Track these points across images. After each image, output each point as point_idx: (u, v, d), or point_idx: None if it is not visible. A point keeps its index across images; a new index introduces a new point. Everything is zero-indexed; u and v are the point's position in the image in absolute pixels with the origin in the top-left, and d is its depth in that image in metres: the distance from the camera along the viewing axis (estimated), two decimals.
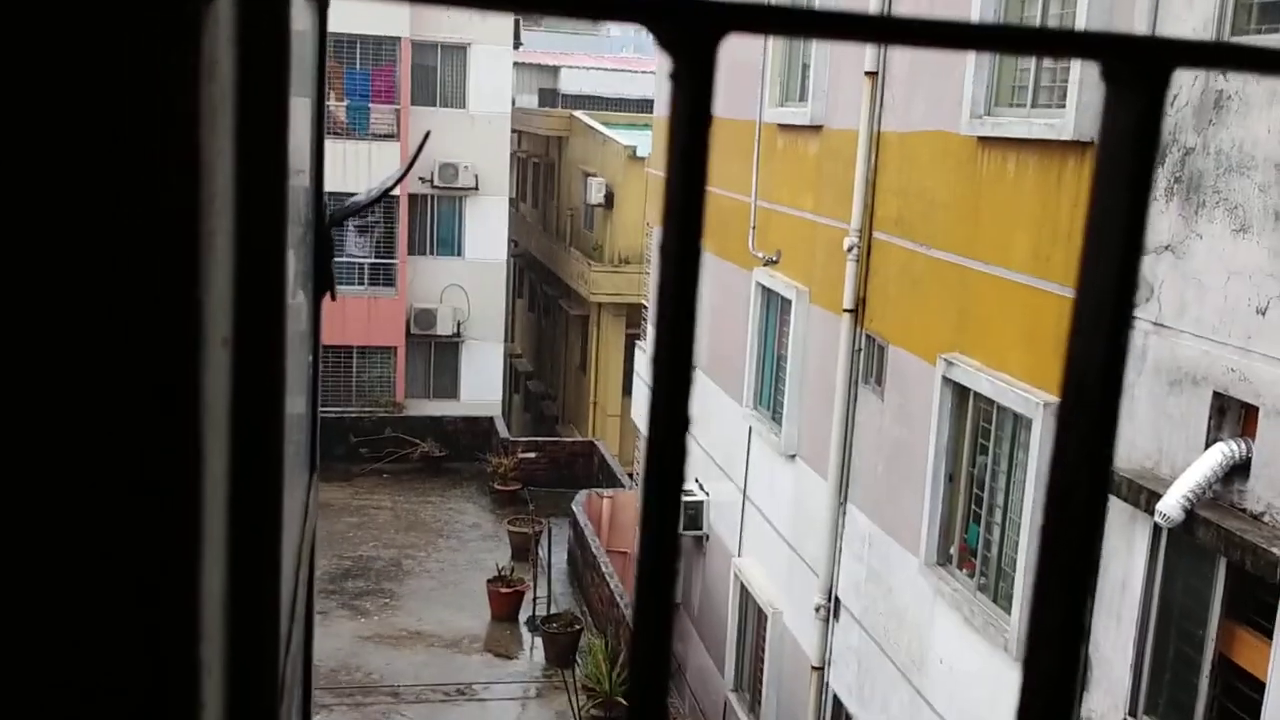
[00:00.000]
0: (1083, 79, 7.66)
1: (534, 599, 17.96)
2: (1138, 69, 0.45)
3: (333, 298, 1.73)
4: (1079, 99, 7.67)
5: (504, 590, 18.19)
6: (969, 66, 9.00)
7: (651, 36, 0.43)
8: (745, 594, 13.70)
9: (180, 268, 0.53)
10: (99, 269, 0.52)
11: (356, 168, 25.49)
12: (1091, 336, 0.47)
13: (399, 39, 26.22)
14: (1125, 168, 0.45)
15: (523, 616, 18.22)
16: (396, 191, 26.00)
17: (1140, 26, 7.09)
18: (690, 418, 0.48)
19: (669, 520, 0.45)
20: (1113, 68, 0.45)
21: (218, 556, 0.65)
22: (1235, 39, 6.52)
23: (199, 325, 0.55)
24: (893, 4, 10.49)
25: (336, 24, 25.37)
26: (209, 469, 0.60)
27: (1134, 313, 0.48)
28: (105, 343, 0.53)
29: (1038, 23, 8.47)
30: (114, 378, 0.54)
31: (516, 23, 28.10)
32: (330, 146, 27.88)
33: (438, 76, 27.10)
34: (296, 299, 1.39)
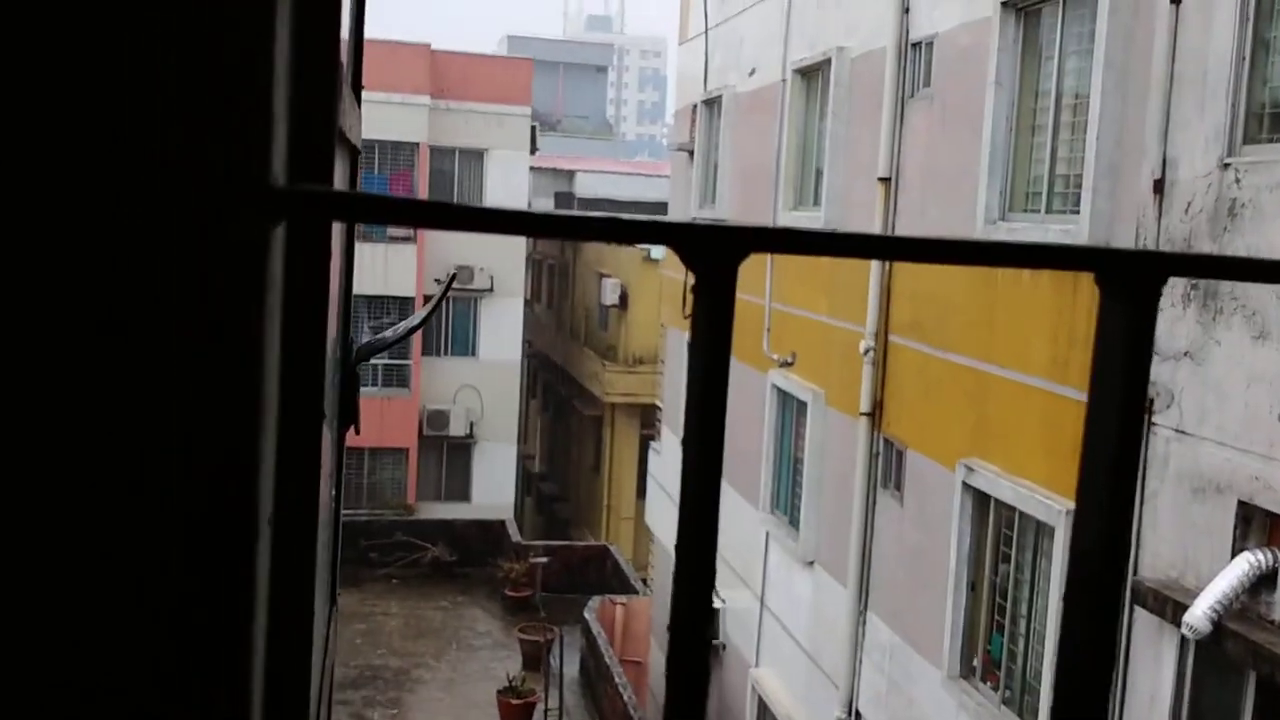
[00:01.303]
0: (1096, 186, 7.70)
1: (545, 710, 17.61)
2: (1130, 279, 0.48)
3: (356, 432, 1.71)
4: (1093, 205, 7.71)
5: (514, 701, 17.84)
6: (982, 172, 9.07)
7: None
8: (763, 707, 13.40)
9: (242, 458, 0.57)
10: (172, 460, 0.56)
11: (373, 270, 25.74)
12: (1090, 526, 0.49)
13: (417, 144, 26.68)
14: (1120, 370, 0.48)
15: None
16: (412, 293, 26.21)
17: (1151, 138, 7.14)
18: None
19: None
20: (1106, 277, 0.48)
21: None
22: (1247, 147, 6.56)
23: (256, 503, 0.59)
24: (902, 157, 10.61)
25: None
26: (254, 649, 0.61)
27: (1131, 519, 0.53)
28: (169, 523, 0.56)
29: (1049, 135, 8.56)
30: (178, 557, 0.56)
31: (533, 128, 28.61)
32: None
33: (455, 180, 27.51)
34: (325, 437, 1.39)
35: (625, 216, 0.42)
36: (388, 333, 2.47)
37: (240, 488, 0.56)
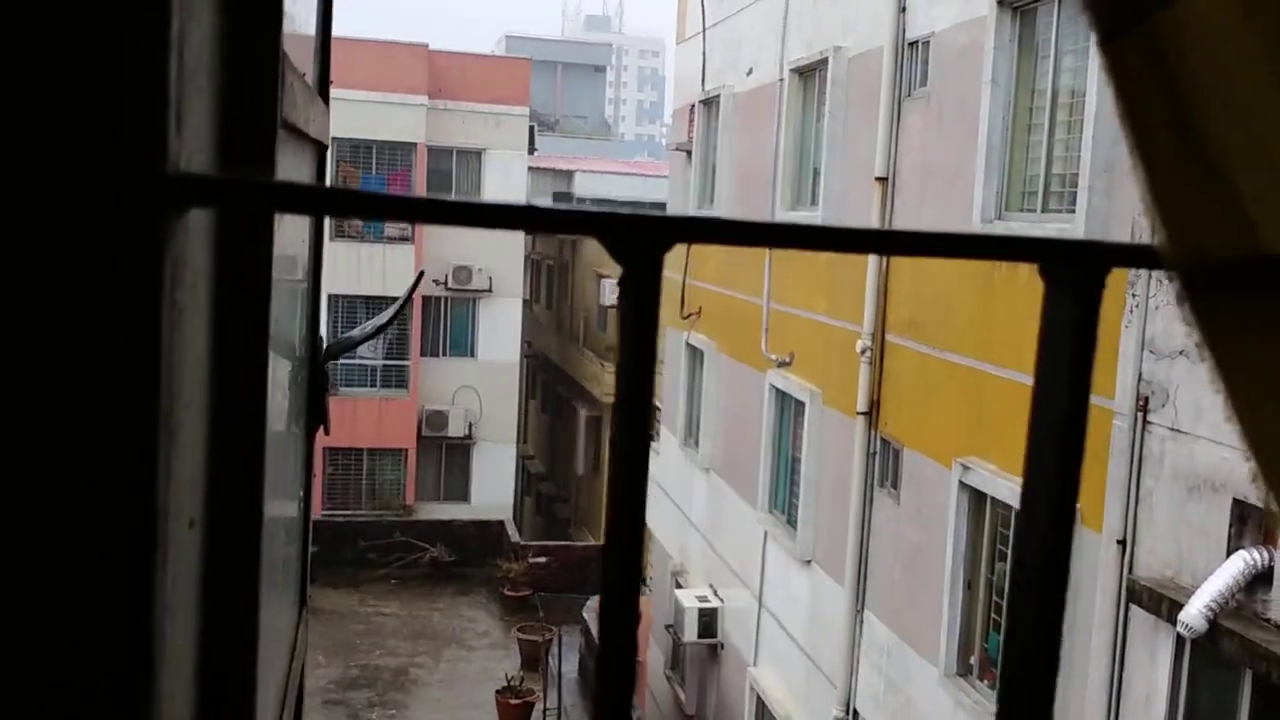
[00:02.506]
0: (1092, 184, 7.70)
1: (544, 710, 17.62)
2: (1075, 270, 0.48)
3: (326, 432, 1.70)
4: (1089, 203, 7.71)
5: (513, 701, 17.84)
6: (979, 171, 9.08)
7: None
8: (761, 705, 13.40)
9: (135, 460, 0.55)
10: (58, 456, 0.54)
11: (370, 271, 25.74)
12: (1036, 519, 0.49)
13: (415, 144, 26.67)
14: (1066, 359, 0.48)
15: None
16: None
17: None
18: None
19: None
20: (1052, 269, 0.48)
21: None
22: None
23: (154, 508, 0.56)
24: (898, 156, 10.61)
25: (354, 130, 25.91)
26: (170, 654, 0.59)
27: (1077, 502, 0.53)
28: (56, 525, 0.54)
29: (1046, 133, 8.56)
30: (64, 559, 0.54)
31: (531, 128, 28.61)
32: (345, 250, 28.02)
33: (453, 181, 27.50)
34: (289, 436, 1.37)
35: (544, 205, 0.42)
36: (355, 331, 2.47)
37: (136, 489, 0.54)
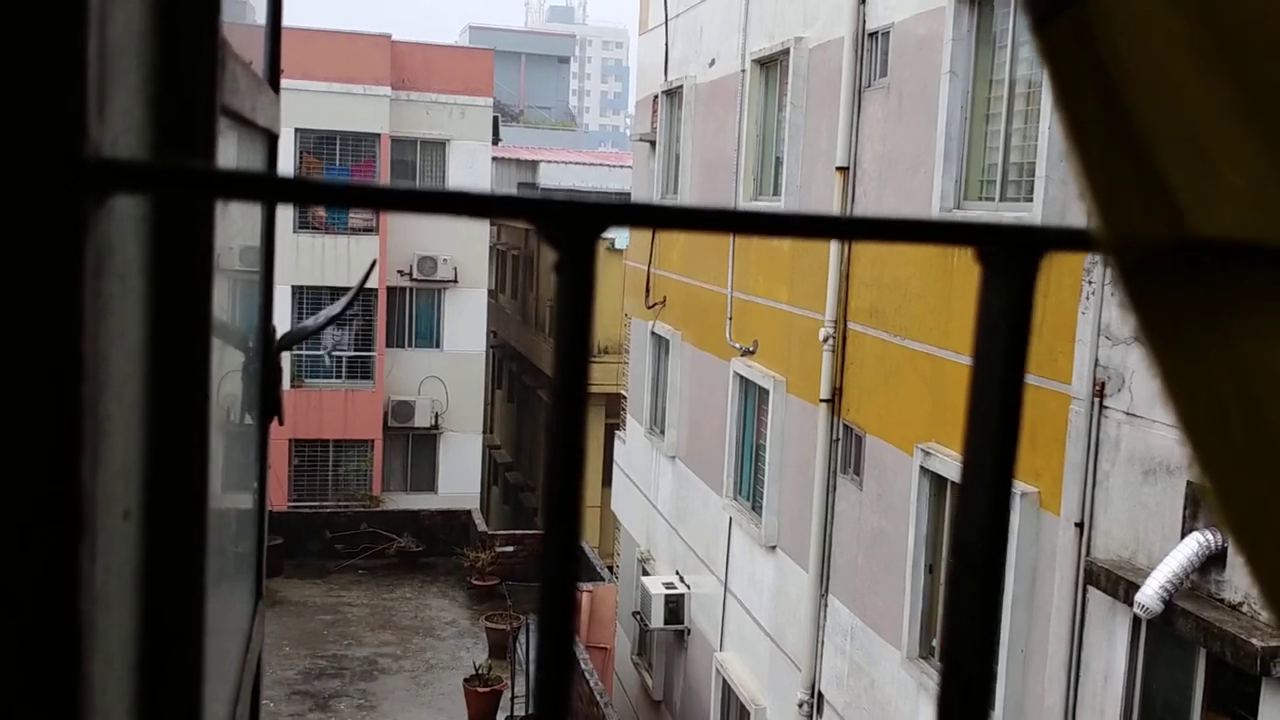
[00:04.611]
0: (1049, 173, 7.79)
1: (512, 698, 17.63)
2: (1010, 254, 0.48)
3: (280, 423, 1.72)
4: (1046, 191, 7.79)
5: (481, 690, 17.84)
6: (938, 160, 9.15)
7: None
8: (728, 690, 13.49)
9: (56, 449, 0.54)
10: None
11: (335, 261, 25.60)
12: (975, 499, 0.49)
13: (379, 135, 26.53)
14: (1001, 344, 0.48)
15: (501, 717, 17.86)
16: (375, 285, 26.10)
17: None
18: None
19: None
20: (988, 253, 0.48)
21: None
22: None
23: (79, 513, 0.56)
24: (859, 146, 10.68)
25: (317, 121, 25.73)
26: (102, 653, 0.59)
27: (1014, 481, 0.54)
28: None
29: (1003, 123, 8.64)
30: None
31: (495, 119, 28.51)
32: (309, 241, 27.75)
33: (417, 171, 27.37)
34: (242, 428, 1.38)
35: (477, 191, 0.44)
36: (308, 321, 2.48)
37: (57, 478, 0.53)
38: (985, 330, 0.49)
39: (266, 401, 1.61)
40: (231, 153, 1.09)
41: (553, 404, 0.47)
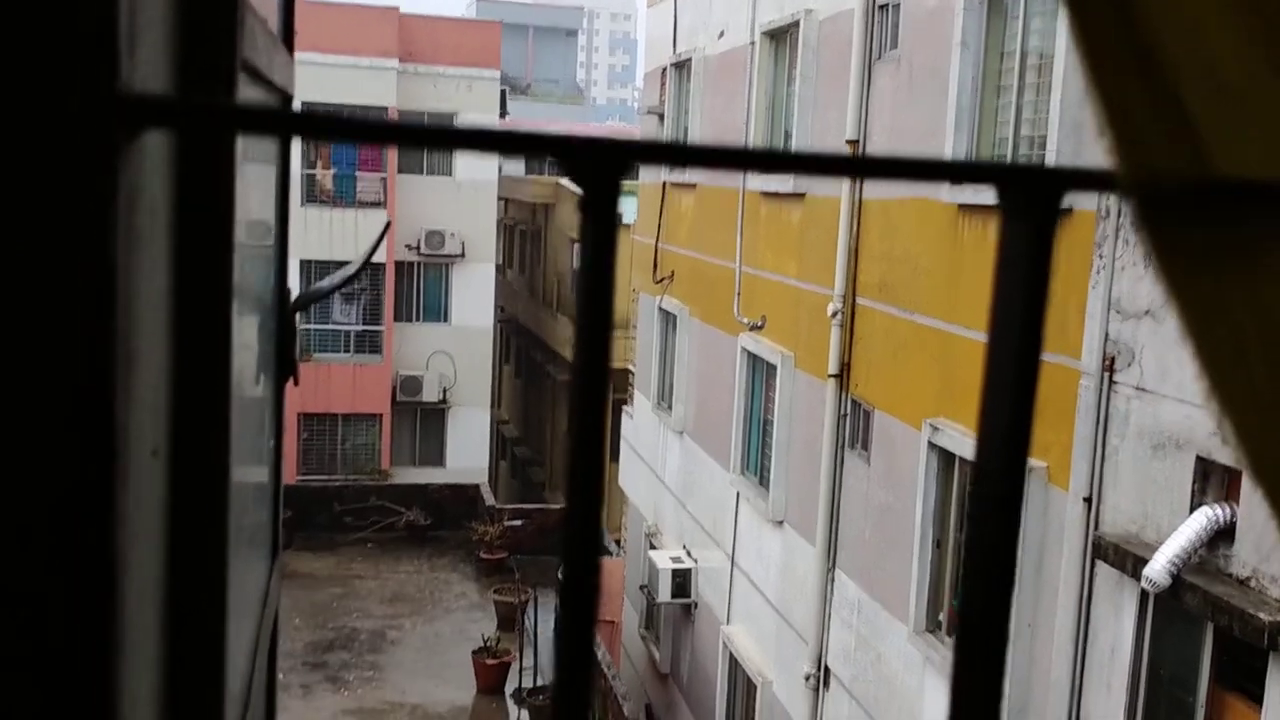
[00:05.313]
0: (1059, 146, 7.75)
1: (520, 670, 17.74)
2: (1031, 195, 0.47)
3: (295, 383, 1.72)
4: (1058, 163, 7.74)
5: (490, 662, 17.95)
6: (948, 132, 9.11)
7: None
8: (734, 663, 13.55)
9: (92, 385, 0.54)
10: (14, 372, 0.53)
11: (343, 235, 25.60)
12: (993, 458, 0.50)
13: (386, 109, 26.46)
14: (1021, 287, 0.47)
15: (509, 688, 17.98)
16: (382, 259, 26.09)
17: None
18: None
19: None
20: (1007, 195, 0.47)
21: (147, 665, 0.65)
22: None
23: (111, 439, 0.56)
24: (869, 118, 10.61)
25: (324, 94, 25.67)
26: (133, 587, 0.60)
27: (1029, 453, 0.53)
28: (12, 450, 0.54)
29: (1014, 95, 8.59)
30: (24, 483, 0.54)
31: (503, 92, 28.42)
32: (318, 214, 27.77)
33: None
34: (259, 384, 1.38)
35: (497, 128, 0.44)
36: (324, 282, 2.49)
37: (93, 408, 0.54)
38: (1004, 272, 0.48)
39: (282, 361, 1.62)
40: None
41: (577, 339, 0.48)
